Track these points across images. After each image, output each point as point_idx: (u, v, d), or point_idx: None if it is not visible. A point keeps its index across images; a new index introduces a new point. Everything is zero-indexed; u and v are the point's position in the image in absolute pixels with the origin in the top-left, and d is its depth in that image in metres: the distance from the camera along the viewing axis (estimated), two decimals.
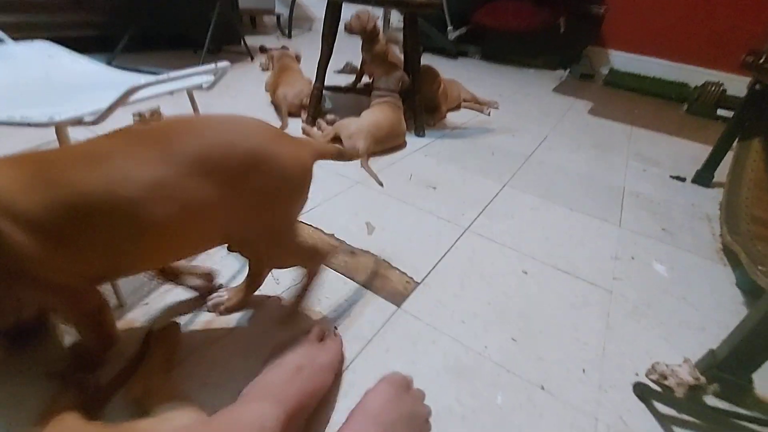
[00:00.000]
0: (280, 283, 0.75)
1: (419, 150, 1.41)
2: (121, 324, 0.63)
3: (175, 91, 0.68)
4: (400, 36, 1.94)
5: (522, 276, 0.87)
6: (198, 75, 0.60)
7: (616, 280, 0.89)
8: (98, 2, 1.86)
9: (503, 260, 0.91)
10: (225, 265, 0.77)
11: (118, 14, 1.92)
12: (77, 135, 0.53)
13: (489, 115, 1.88)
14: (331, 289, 0.75)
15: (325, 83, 1.47)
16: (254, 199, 0.49)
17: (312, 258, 0.65)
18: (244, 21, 3.11)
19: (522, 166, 1.39)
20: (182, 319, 0.64)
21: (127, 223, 0.42)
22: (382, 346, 0.66)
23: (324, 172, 1.16)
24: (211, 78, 0.69)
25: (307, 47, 2.78)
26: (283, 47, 1.92)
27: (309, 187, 0.55)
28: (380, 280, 0.79)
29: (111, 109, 0.51)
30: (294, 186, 0.52)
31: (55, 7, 1.72)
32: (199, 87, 0.70)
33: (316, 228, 0.92)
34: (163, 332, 0.59)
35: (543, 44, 2.84)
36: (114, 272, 0.50)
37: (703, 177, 1.42)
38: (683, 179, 1.44)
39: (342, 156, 0.64)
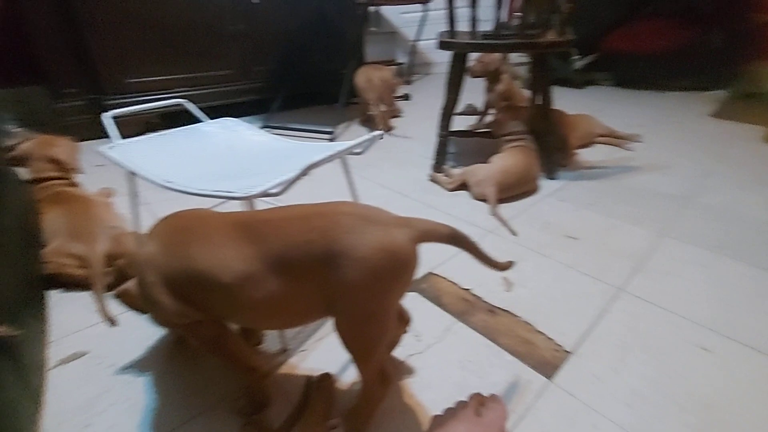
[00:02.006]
0: (421, 339, 0.76)
1: (553, 194, 1.32)
2: (286, 368, 0.70)
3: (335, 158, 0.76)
4: (520, 70, 1.90)
5: (700, 353, 0.72)
6: (359, 144, 0.67)
7: None
8: (258, 72, 2.26)
9: (672, 331, 0.77)
10: None
11: (273, 80, 2.30)
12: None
13: (631, 150, 1.68)
14: (473, 351, 0.73)
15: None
16: (335, 289, 0.49)
17: (382, 380, 0.58)
18: None
19: (680, 211, 1.19)
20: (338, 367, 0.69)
21: (225, 297, 0.51)
22: (536, 426, 0.60)
23: (453, 220, 1.17)
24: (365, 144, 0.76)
25: (426, 91, 2.92)
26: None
27: (404, 275, 0.50)
28: (525, 345, 0.74)
29: (292, 182, 0.60)
30: (378, 276, 0.48)
31: (226, 79, 2.15)
32: (352, 152, 0.78)
33: (452, 282, 0.91)
34: (320, 383, 0.64)
35: (691, 63, 2.47)
36: (228, 320, 0.58)
37: None
38: None
39: (457, 239, 0.55)
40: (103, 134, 1.86)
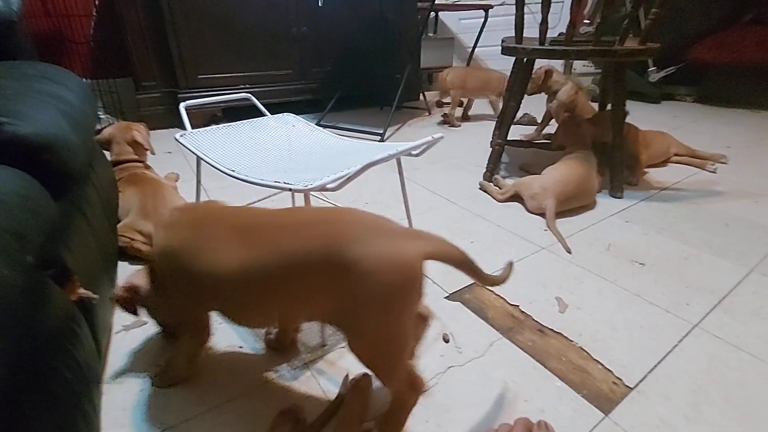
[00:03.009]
0: (462, 352, 0.72)
1: (617, 214, 1.21)
2: (321, 364, 0.69)
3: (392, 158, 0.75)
4: (582, 81, 1.79)
5: None
6: (418, 146, 0.65)
7: None
8: (314, 73, 2.33)
9: (762, 382, 0.66)
10: None
11: (328, 81, 2.36)
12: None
13: (715, 171, 1.51)
14: (518, 371, 0.68)
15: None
16: (339, 301, 0.47)
17: (411, 387, 0.54)
18: (423, 78, 3.42)
19: None
20: None
21: (221, 295, 0.52)
22: None
23: (503, 232, 1.11)
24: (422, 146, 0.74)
25: (481, 100, 2.84)
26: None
27: (412, 290, 0.46)
28: (578, 372, 0.68)
29: (350, 179, 0.60)
30: (386, 291, 0.44)
31: (284, 79, 2.25)
32: (409, 154, 0.77)
33: (498, 296, 0.86)
34: (357, 383, 0.63)
35: None
36: (224, 314, 0.58)
37: None
38: None
39: (467, 266, 0.49)
40: (173, 124, 2.03)
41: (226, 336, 0.75)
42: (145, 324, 0.77)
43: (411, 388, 0.54)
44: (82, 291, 0.50)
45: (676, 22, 2.33)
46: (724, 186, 1.39)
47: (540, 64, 1.58)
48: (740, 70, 2.25)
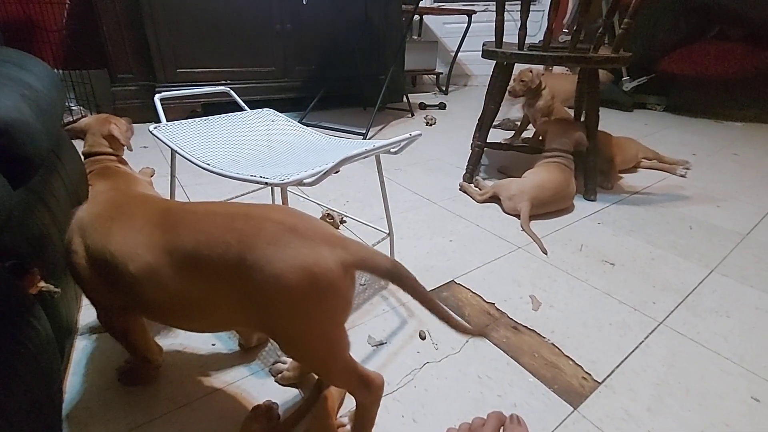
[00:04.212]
0: (439, 348, 0.72)
1: (590, 216, 1.25)
2: None
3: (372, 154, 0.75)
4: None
5: (752, 404, 0.64)
6: (396, 143, 0.65)
7: None
8: (298, 71, 2.32)
9: (720, 375, 0.69)
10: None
11: (312, 80, 2.35)
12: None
13: (684, 176, 1.58)
14: (492, 367, 0.69)
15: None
16: (252, 304, 0.43)
17: (364, 386, 0.50)
18: (406, 80, 3.45)
19: (734, 248, 1.09)
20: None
21: (133, 285, 0.47)
22: None
23: (481, 232, 1.13)
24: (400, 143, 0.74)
25: (462, 102, 2.89)
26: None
27: (330, 300, 0.43)
28: (550, 368, 0.69)
29: (327, 174, 0.59)
30: (294, 298, 0.41)
31: (267, 76, 2.22)
32: (388, 151, 0.77)
33: (475, 293, 0.88)
34: None
35: (757, 92, 2.31)
36: (143, 313, 0.55)
37: None
38: None
39: (399, 278, 0.45)
40: (150, 119, 1.97)
41: (199, 334, 0.73)
42: None
43: (365, 388, 0.50)
44: (42, 284, 0.48)
45: (648, 35, 2.43)
46: (689, 191, 1.46)
47: (519, 68, 1.62)
48: (704, 82, 2.37)
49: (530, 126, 1.91)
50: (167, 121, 0.89)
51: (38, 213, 0.58)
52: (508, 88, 1.57)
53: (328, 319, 0.44)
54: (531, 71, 1.69)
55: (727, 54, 2.25)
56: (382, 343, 0.73)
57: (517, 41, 1.25)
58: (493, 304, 0.85)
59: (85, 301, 0.79)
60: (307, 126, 1.01)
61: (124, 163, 1.13)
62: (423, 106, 2.71)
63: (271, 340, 0.73)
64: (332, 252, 0.42)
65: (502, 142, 1.84)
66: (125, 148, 1.14)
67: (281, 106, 2.36)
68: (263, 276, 0.41)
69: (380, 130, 2.12)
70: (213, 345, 0.71)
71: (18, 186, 0.44)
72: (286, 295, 0.41)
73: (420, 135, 0.70)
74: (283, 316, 0.43)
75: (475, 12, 2.98)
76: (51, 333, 0.47)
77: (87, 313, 0.77)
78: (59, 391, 0.51)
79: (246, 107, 1.04)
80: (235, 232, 0.43)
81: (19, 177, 0.45)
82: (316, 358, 0.47)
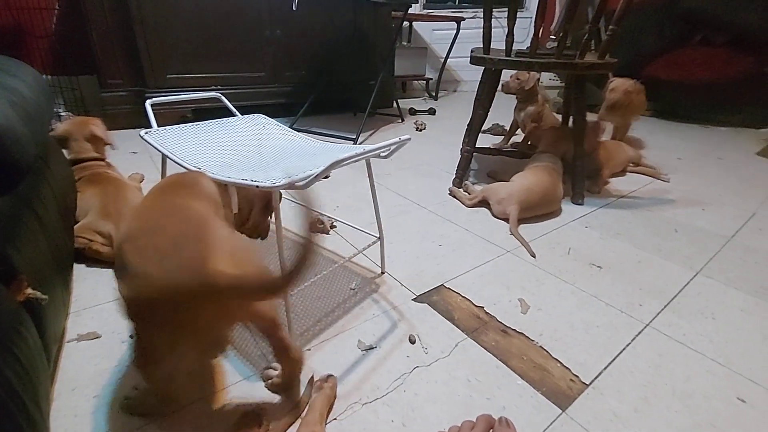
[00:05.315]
0: (428, 352, 0.73)
1: (577, 220, 1.27)
2: None
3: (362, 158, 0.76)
4: (548, 93, 1.86)
5: (738, 405, 0.66)
6: (386, 147, 0.66)
7: None
8: (288, 77, 2.32)
9: (705, 376, 0.71)
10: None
11: (302, 85, 2.36)
12: None
13: (668, 181, 1.61)
14: (481, 370, 0.70)
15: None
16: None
17: (289, 356, 0.60)
18: (396, 86, 3.47)
19: (719, 250, 1.12)
20: (340, 371, 0.67)
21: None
22: None
23: (470, 236, 1.14)
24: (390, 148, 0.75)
25: (452, 108, 2.92)
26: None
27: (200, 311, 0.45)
28: (538, 371, 0.70)
29: (318, 177, 0.60)
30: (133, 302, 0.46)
31: (257, 81, 2.22)
32: (378, 156, 0.78)
33: (465, 297, 0.88)
34: (322, 384, 0.62)
35: (741, 97, 2.37)
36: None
37: None
38: None
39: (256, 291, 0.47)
40: (140, 124, 1.96)
41: None
42: (99, 337, 0.73)
43: (286, 355, 0.60)
44: (29, 291, 0.48)
45: (633, 41, 2.49)
46: (674, 195, 1.49)
47: (508, 74, 1.65)
48: (689, 87, 2.42)
49: (519, 131, 1.93)
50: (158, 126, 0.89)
51: (26, 219, 0.57)
52: (502, 82, 1.60)
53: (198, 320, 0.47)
54: (529, 74, 1.72)
55: (712, 59, 2.31)
56: (372, 348, 0.73)
57: (504, 47, 1.27)
58: (483, 307, 0.85)
59: (72, 308, 0.79)
60: (298, 131, 1.01)
61: (112, 167, 1.13)
62: (413, 112, 2.73)
63: (266, 343, 0.73)
64: (177, 275, 0.45)
65: (491, 147, 1.86)
66: (109, 147, 1.13)
67: (272, 112, 2.36)
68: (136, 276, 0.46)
69: (370, 135, 2.13)
70: None
71: (5, 193, 0.44)
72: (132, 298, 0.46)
73: (409, 139, 0.71)
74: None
75: (463, 19, 3.02)
76: (38, 340, 0.47)
77: (75, 320, 0.76)
78: (46, 397, 0.50)
79: (237, 112, 1.05)
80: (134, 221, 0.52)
81: (6, 183, 0.45)
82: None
